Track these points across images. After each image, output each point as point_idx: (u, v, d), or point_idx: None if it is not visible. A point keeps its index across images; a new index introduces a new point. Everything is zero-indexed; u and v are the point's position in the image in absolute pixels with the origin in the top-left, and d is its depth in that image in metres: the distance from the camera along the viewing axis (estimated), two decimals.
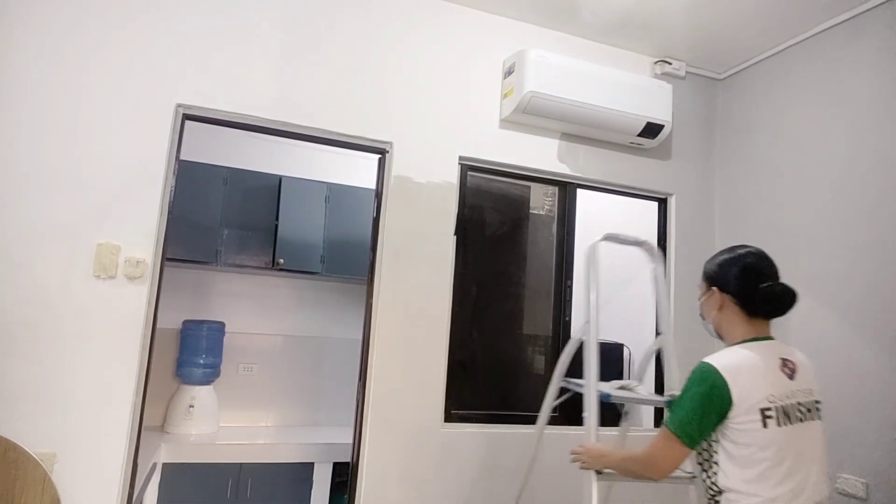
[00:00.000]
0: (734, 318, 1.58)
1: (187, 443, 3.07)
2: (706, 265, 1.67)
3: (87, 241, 2.18)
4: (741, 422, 1.43)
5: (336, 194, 3.58)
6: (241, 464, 3.04)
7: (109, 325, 2.18)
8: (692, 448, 1.48)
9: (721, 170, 3.26)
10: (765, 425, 1.42)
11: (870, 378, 2.37)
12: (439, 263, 2.69)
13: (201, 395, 3.28)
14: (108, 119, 2.26)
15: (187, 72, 2.38)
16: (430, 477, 2.57)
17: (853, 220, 2.52)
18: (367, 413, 2.52)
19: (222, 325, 3.46)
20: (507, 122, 2.86)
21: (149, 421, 2.75)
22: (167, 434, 3.17)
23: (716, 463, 1.49)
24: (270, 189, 3.46)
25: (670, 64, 3.17)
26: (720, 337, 1.63)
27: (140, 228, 2.25)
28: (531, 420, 2.36)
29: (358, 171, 3.55)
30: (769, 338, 1.57)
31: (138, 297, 2.23)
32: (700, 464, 1.57)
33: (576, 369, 2.37)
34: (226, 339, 3.47)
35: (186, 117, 2.40)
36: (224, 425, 3.40)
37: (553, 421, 2.29)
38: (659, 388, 2.79)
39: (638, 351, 3.34)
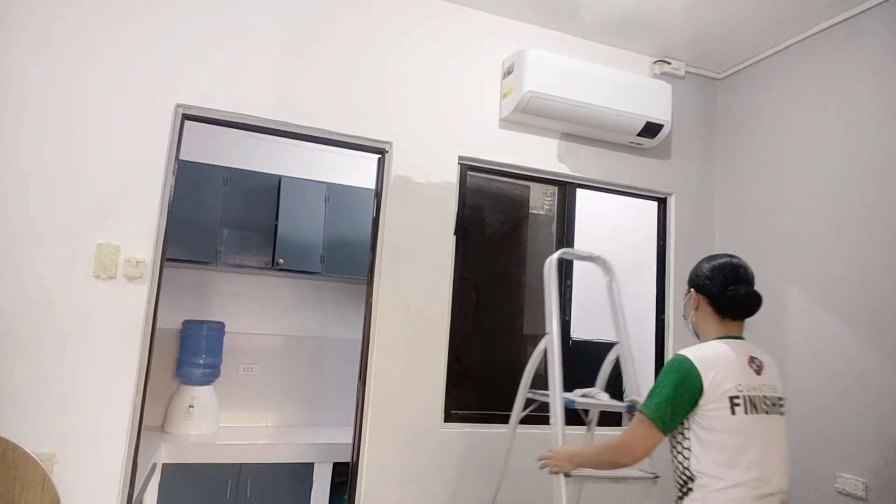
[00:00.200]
0: (708, 318, 1.71)
1: (187, 443, 3.07)
2: (690, 270, 1.80)
3: (87, 241, 2.19)
4: (711, 408, 1.54)
5: (336, 194, 3.58)
6: (241, 464, 3.04)
7: (109, 325, 2.18)
8: (665, 433, 1.59)
9: (721, 169, 3.26)
10: (733, 412, 1.54)
11: (869, 378, 2.37)
12: (439, 263, 2.69)
13: (201, 395, 3.28)
14: (108, 119, 2.26)
15: (187, 72, 2.38)
16: (430, 477, 2.57)
17: (853, 220, 2.52)
18: (367, 413, 2.52)
19: (222, 325, 3.46)
20: (507, 122, 2.86)
21: (149, 421, 2.75)
22: (167, 434, 3.17)
23: (688, 449, 1.58)
24: (270, 189, 3.46)
25: (669, 64, 3.17)
26: (697, 335, 1.76)
27: (140, 228, 2.25)
28: (531, 420, 2.37)
29: (358, 171, 3.54)
30: (740, 337, 1.70)
31: (138, 297, 2.23)
32: (673, 449, 1.65)
33: (585, 376, 2.38)
34: (226, 339, 3.48)
35: (186, 117, 2.40)
36: (224, 425, 3.40)
37: (530, 420, 2.38)
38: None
39: (638, 350, 3.33)
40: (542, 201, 3.14)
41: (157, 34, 2.35)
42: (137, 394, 2.21)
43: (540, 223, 3.13)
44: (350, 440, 2.60)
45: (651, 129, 2.93)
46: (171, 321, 3.37)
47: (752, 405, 1.57)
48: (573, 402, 2.10)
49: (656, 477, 2.01)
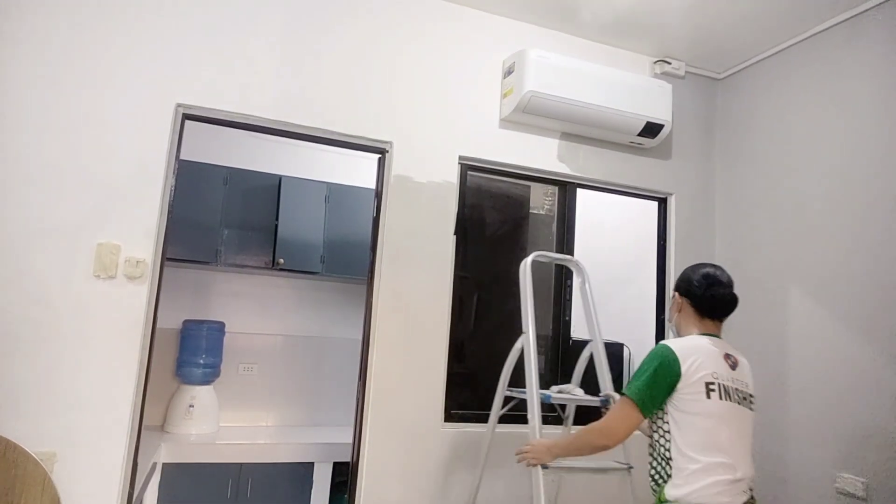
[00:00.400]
0: (689, 318, 1.85)
1: (187, 443, 3.07)
2: (677, 278, 1.95)
3: (88, 241, 2.19)
4: (688, 392, 1.67)
5: (336, 194, 3.58)
6: (241, 464, 3.04)
7: (109, 325, 2.18)
8: (645, 415, 1.70)
9: (721, 169, 3.26)
10: (708, 396, 1.67)
11: (869, 378, 2.37)
12: (439, 263, 2.69)
13: (201, 395, 3.28)
14: (109, 119, 2.26)
15: (187, 72, 2.38)
16: (430, 477, 2.57)
17: (853, 220, 2.52)
18: (367, 413, 2.52)
19: (222, 325, 3.46)
20: (507, 122, 2.86)
21: (149, 421, 2.75)
22: (167, 434, 3.17)
23: (668, 432, 1.70)
24: (270, 189, 3.46)
25: (670, 64, 3.17)
26: (679, 335, 1.89)
27: (140, 228, 2.25)
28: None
29: (358, 171, 3.54)
30: (718, 336, 1.83)
31: (138, 297, 2.23)
32: (654, 434, 1.76)
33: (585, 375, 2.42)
34: (226, 339, 3.47)
35: (186, 117, 2.40)
36: (224, 425, 3.40)
37: (512, 420, 2.44)
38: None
39: (638, 350, 3.34)
40: (542, 201, 3.14)
41: (157, 34, 2.35)
42: (137, 393, 2.21)
43: (540, 223, 3.13)
44: (350, 440, 2.60)
45: (651, 129, 2.93)
46: (171, 321, 3.37)
47: (727, 393, 1.69)
48: (549, 397, 2.19)
49: (630, 468, 2.11)
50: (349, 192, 3.59)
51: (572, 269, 2.53)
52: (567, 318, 2.95)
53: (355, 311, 3.63)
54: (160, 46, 2.35)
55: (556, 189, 3.09)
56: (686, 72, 3.24)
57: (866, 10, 2.55)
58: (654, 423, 1.75)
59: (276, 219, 3.44)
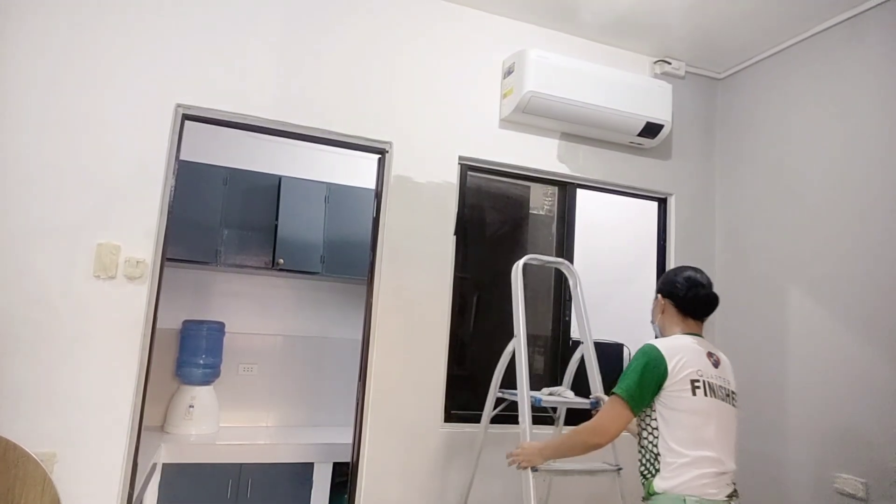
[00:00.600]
0: (672, 318, 1.91)
1: (187, 443, 3.07)
2: (658, 282, 2.02)
3: (87, 241, 2.19)
4: (674, 390, 1.72)
5: (336, 194, 3.57)
6: (241, 464, 3.03)
7: (109, 325, 2.18)
8: (635, 413, 1.75)
9: (721, 170, 3.26)
10: (694, 393, 1.72)
11: (869, 378, 2.37)
12: (439, 263, 2.69)
13: (201, 395, 3.28)
14: (109, 119, 2.26)
15: (187, 72, 2.38)
16: (430, 476, 2.57)
17: (853, 220, 2.52)
18: (367, 413, 2.52)
19: (222, 325, 3.46)
20: (507, 122, 2.86)
21: (149, 421, 2.75)
22: (167, 434, 3.17)
23: (656, 429, 1.75)
24: (270, 189, 3.46)
25: (670, 64, 3.17)
26: (662, 336, 1.92)
27: (140, 228, 2.25)
28: (533, 421, 2.38)
29: (358, 171, 3.54)
30: (700, 336, 1.89)
31: (138, 297, 2.23)
32: (642, 432, 1.80)
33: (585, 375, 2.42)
34: (226, 339, 3.47)
35: (186, 117, 2.40)
36: (224, 425, 3.40)
37: (506, 420, 2.46)
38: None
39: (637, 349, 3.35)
40: (542, 201, 3.14)
41: (157, 34, 2.35)
42: (137, 394, 2.21)
43: (540, 223, 3.13)
44: (350, 440, 2.60)
45: (651, 130, 2.93)
46: (171, 321, 3.37)
47: (711, 389, 1.75)
48: (540, 399, 2.21)
49: (619, 469, 2.13)
50: (349, 192, 3.59)
51: (564, 271, 2.54)
52: (567, 319, 2.95)
53: (355, 311, 3.63)
54: (160, 46, 2.35)
55: (555, 189, 3.09)
56: (686, 72, 3.24)
57: (866, 10, 2.55)
58: (643, 420, 1.80)
59: (276, 219, 3.44)
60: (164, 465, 2.90)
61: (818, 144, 2.71)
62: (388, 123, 2.66)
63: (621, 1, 2.72)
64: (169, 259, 2.47)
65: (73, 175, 2.20)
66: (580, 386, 2.38)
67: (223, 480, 3.00)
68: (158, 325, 2.33)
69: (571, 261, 2.98)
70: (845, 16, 2.63)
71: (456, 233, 2.75)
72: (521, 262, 2.35)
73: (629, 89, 2.86)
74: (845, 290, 2.51)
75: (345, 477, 2.87)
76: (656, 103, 2.92)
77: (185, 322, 3.41)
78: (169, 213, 2.34)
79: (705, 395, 1.73)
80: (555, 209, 3.09)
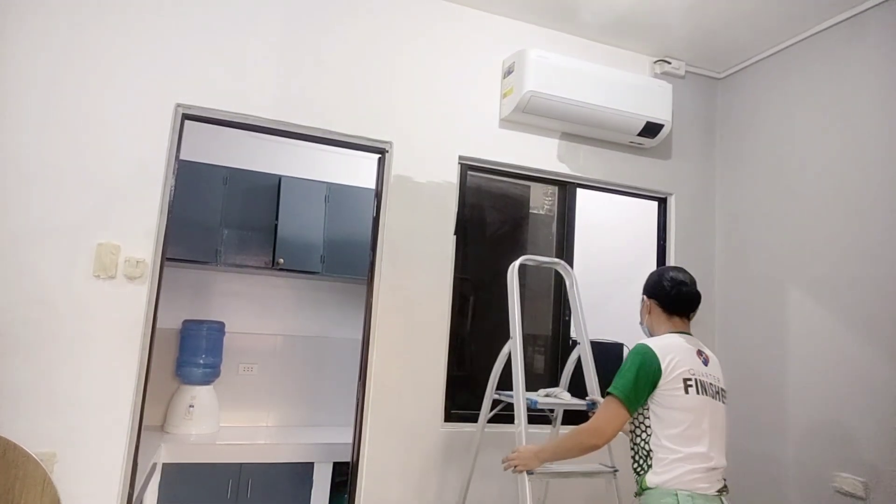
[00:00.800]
0: (658, 317, 1.95)
1: (187, 443, 3.07)
2: (644, 283, 2.04)
3: (87, 241, 2.19)
4: (667, 389, 1.75)
5: (336, 194, 3.57)
6: (241, 464, 3.04)
7: (109, 325, 2.18)
8: (630, 412, 1.77)
9: (721, 169, 3.26)
10: (686, 391, 1.75)
11: (869, 378, 2.37)
12: (439, 263, 2.69)
13: (201, 395, 3.28)
14: (109, 119, 2.26)
15: (187, 72, 2.38)
16: (430, 476, 2.57)
17: (853, 220, 2.52)
18: (367, 413, 2.52)
19: (222, 325, 3.46)
20: (507, 122, 2.86)
21: (149, 421, 2.75)
22: (167, 434, 3.17)
23: (649, 427, 1.78)
24: (270, 189, 3.46)
25: (670, 63, 3.17)
26: (651, 336, 1.95)
27: (140, 228, 2.25)
28: (531, 420, 2.38)
29: (358, 171, 3.55)
30: (688, 333, 1.92)
31: (138, 297, 2.23)
32: (636, 430, 1.83)
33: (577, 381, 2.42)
34: (226, 339, 3.47)
35: (186, 117, 2.40)
36: (224, 425, 3.40)
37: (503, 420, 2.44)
38: None
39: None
40: (542, 201, 3.14)
41: (157, 34, 2.35)
42: (137, 394, 2.21)
43: (540, 223, 3.13)
44: (350, 440, 2.60)
45: (651, 129, 2.93)
46: (171, 321, 3.37)
47: (703, 387, 1.78)
48: (536, 402, 2.22)
49: (615, 471, 2.14)
50: (349, 192, 3.59)
51: (560, 271, 2.53)
52: (566, 318, 2.95)
53: (355, 311, 3.63)
54: (160, 46, 2.35)
55: (556, 189, 3.08)
56: (686, 72, 3.24)
57: (867, 10, 2.55)
58: (635, 419, 1.82)
59: (276, 219, 3.44)
60: (164, 465, 2.90)
61: (818, 144, 2.71)
62: (388, 123, 2.66)
63: (621, 1, 2.72)
64: (169, 259, 2.47)
65: (73, 175, 2.19)
66: (578, 387, 2.38)
67: (223, 480, 3.00)
68: (158, 325, 2.33)
69: (571, 260, 2.99)
70: (845, 16, 2.63)
71: (456, 232, 2.75)
72: (516, 263, 2.35)
73: (629, 89, 2.86)
74: (845, 290, 2.51)
75: (345, 477, 2.87)
76: (656, 103, 2.92)
77: (185, 322, 3.41)
78: (169, 212, 2.34)
79: (697, 393, 1.76)
80: (555, 209, 3.09)
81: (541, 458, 1.94)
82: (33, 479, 1.97)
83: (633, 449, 1.84)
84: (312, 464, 3.16)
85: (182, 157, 2.43)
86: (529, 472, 1.96)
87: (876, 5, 2.52)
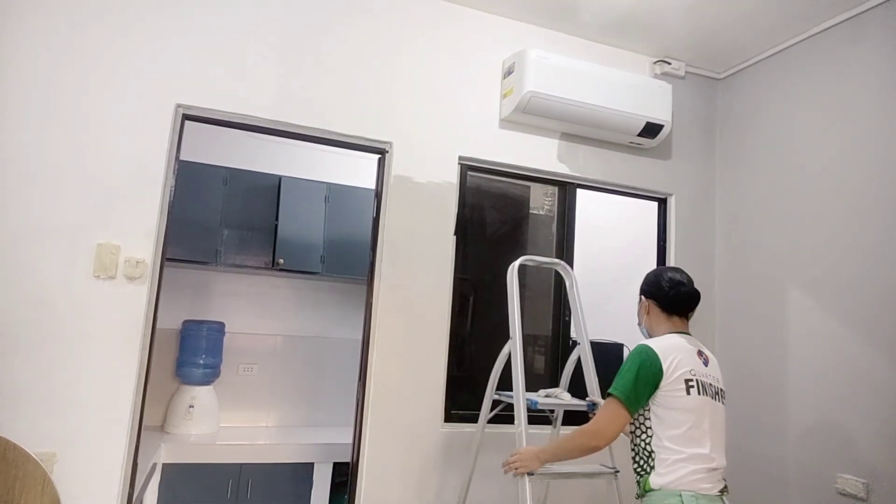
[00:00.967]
0: (658, 318, 1.94)
1: (187, 443, 3.07)
2: (641, 284, 2.03)
3: (87, 241, 2.19)
4: (669, 389, 1.75)
5: (336, 194, 3.58)
6: (241, 464, 3.04)
7: (109, 325, 2.18)
8: (632, 413, 1.77)
9: (721, 169, 3.26)
10: (688, 392, 1.75)
11: (869, 378, 2.37)
12: (439, 263, 2.69)
13: (201, 395, 3.28)
14: (109, 119, 2.26)
15: (187, 72, 2.38)
16: (430, 476, 2.57)
17: (853, 220, 2.52)
18: (367, 413, 2.52)
19: (222, 325, 3.46)
20: (507, 122, 2.86)
21: (149, 421, 2.75)
22: (167, 434, 3.17)
23: (650, 428, 1.77)
24: (270, 189, 3.46)
25: (670, 64, 3.17)
26: (650, 337, 1.94)
27: (140, 228, 2.25)
28: (531, 420, 2.38)
29: (358, 171, 3.55)
30: (688, 333, 1.91)
31: (138, 297, 2.23)
32: (636, 430, 1.82)
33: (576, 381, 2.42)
34: (226, 339, 3.47)
35: (186, 117, 2.40)
36: (224, 425, 3.40)
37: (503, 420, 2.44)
38: None
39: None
40: (542, 201, 3.14)
41: (157, 34, 2.35)
42: (137, 394, 2.21)
43: (540, 223, 3.13)
44: (350, 440, 2.60)
45: (651, 130, 2.93)
46: (171, 321, 3.37)
47: (703, 388, 1.78)
48: (536, 402, 2.21)
49: (616, 472, 2.14)
50: (349, 192, 3.59)
51: (560, 271, 2.53)
52: (567, 318, 2.95)
53: (355, 311, 3.63)
54: (160, 46, 2.35)
55: (555, 189, 3.09)
56: (686, 72, 3.24)
57: (867, 10, 2.55)
58: (636, 419, 1.82)
59: (276, 219, 3.44)
60: (164, 465, 2.90)
61: (818, 144, 2.71)
62: (388, 123, 2.66)
63: (621, 1, 2.72)
64: (169, 259, 2.47)
65: (73, 175, 2.19)
66: (578, 387, 2.38)
67: (223, 480, 3.00)
68: (158, 325, 2.32)
69: (571, 261, 2.99)
70: (845, 16, 2.63)
71: (456, 233, 2.75)
72: (516, 264, 2.34)
73: (629, 89, 2.86)
74: (845, 290, 2.51)
75: (345, 477, 2.87)
76: (656, 103, 2.92)
77: (185, 322, 3.41)
78: (169, 213, 2.34)
79: (698, 393, 1.76)
80: (555, 209, 3.09)
81: (542, 459, 1.94)
82: (33, 479, 1.97)
83: (633, 450, 1.84)
84: (312, 464, 3.16)
85: (182, 157, 2.43)
86: (530, 474, 1.96)
87: (876, 5, 2.52)
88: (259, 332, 3.64)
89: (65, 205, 2.18)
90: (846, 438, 2.42)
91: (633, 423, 1.84)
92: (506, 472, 2.01)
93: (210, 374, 3.35)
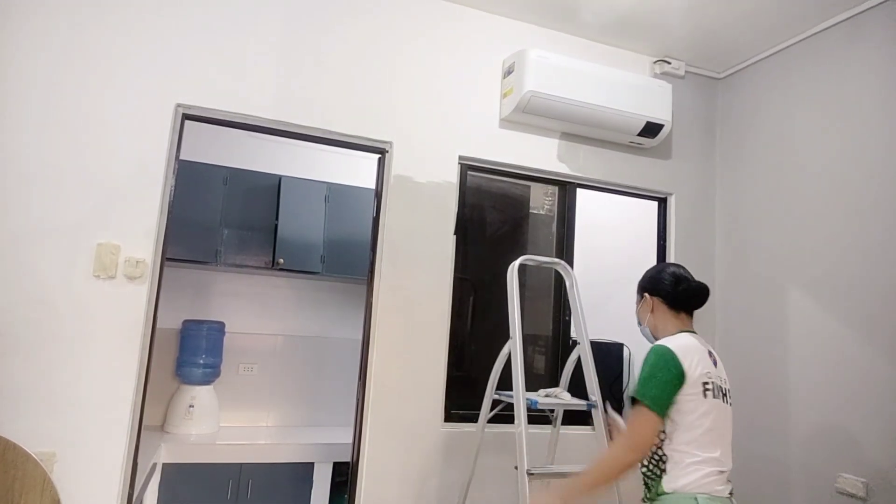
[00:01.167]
0: (664, 315, 1.87)
1: (187, 443, 3.07)
2: (639, 282, 1.97)
3: (87, 241, 2.19)
4: (689, 393, 1.68)
5: (336, 194, 3.57)
6: (241, 464, 3.04)
7: (109, 325, 2.18)
8: (662, 419, 1.68)
9: (721, 169, 3.26)
10: (704, 395, 1.70)
11: (870, 378, 2.37)
12: (439, 263, 2.69)
13: (201, 395, 3.28)
14: (109, 119, 2.26)
15: (187, 72, 2.38)
16: (430, 477, 2.57)
17: (853, 220, 2.52)
18: (367, 413, 2.52)
19: (222, 325, 3.46)
20: (507, 122, 2.86)
21: (149, 421, 2.75)
22: (167, 434, 3.17)
23: (663, 432, 1.69)
24: (270, 189, 3.46)
25: (670, 63, 3.17)
26: (655, 337, 1.87)
27: (140, 228, 2.25)
28: (531, 420, 2.38)
29: (358, 171, 3.55)
30: (694, 332, 1.84)
31: (138, 297, 2.23)
32: None
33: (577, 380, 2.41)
34: (226, 339, 3.47)
35: (186, 117, 2.40)
36: (224, 425, 3.40)
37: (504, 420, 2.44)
38: None
39: (638, 350, 3.34)
40: (542, 201, 3.14)
41: (157, 34, 2.35)
42: (137, 393, 2.21)
43: (540, 223, 3.13)
44: (350, 440, 2.60)
45: (651, 129, 2.93)
46: (171, 321, 3.37)
47: (717, 390, 1.73)
48: (536, 402, 2.21)
49: None
50: (349, 192, 3.59)
51: (560, 271, 2.52)
52: (567, 318, 2.95)
53: (355, 311, 3.63)
54: (160, 46, 2.35)
55: (556, 189, 3.09)
56: (686, 72, 3.24)
57: (867, 10, 2.55)
58: None
59: (276, 219, 3.44)
60: (164, 464, 2.90)
61: (818, 144, 2.71)
62: (388, 123, 2.66)
63: (621, 1, 2.72)
64: (169, 259, 2.47)
65: (73, 175, 2.20)
66: (578, 387, 2.38)
67: (223, 480, 3.00)
68: (158, 325, 2.33)
69: (571, 260, 2.99)
70: (845, 16, 2.63)
71: (456, 232, 2.75)
72: (516, 264, 2.34)
73: (629, 89, 2.86)
74: (845, 290, 2.51)
75: (345, 477, 2.87)
76: (656, 103, 2.92)
77: (185, 322, 3.41)
78: (169, 212, 2.34)
79: (714, 396, 1.71)
80: (555, 209, 3.09)
81: (566, 498, 1.71)
82: (33, 479, 1.97)
83: (647, 458, 1.75)
84: (312, 464, 3.16)
85: (182, 157, 2.43)
86: None
87: (876, 5, 2.52)
88: (259, 331, 3.64)
89: (65, 205, 2.18)
90: (847, 438, 2.42)
91: None
92: None
93: (210, 374, 3.35)
